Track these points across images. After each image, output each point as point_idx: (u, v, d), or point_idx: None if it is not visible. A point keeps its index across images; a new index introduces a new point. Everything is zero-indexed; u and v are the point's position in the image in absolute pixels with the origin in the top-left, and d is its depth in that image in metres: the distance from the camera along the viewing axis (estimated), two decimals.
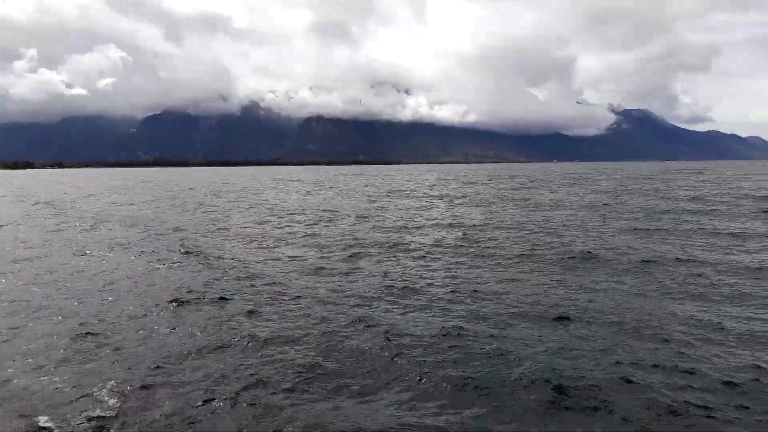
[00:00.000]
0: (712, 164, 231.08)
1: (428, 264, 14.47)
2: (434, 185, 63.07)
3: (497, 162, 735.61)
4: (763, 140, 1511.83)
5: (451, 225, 22.72)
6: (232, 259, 15.36)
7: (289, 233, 21.15)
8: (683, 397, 6.19)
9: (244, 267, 14.05)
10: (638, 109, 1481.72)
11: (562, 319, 9.26)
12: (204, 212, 30.69)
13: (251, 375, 6.98)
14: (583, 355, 7.56)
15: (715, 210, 26.82)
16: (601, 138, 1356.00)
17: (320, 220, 25.53)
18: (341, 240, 18.74)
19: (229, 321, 9.35)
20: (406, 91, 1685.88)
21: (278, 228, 22.86)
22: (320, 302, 10.51)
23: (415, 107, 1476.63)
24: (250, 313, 9.85)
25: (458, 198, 40.15)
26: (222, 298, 10.81)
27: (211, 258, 15.34)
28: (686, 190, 43.94)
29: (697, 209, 27.33)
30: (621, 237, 18.60)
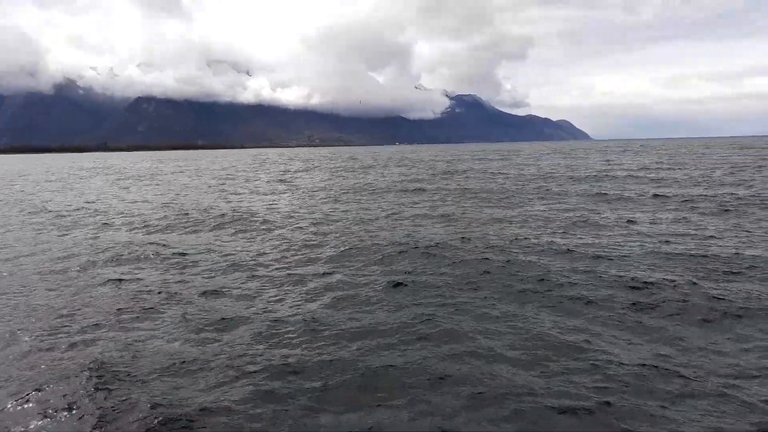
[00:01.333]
0: (529, 145, 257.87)
1: (187, 267, 11.60)
2: (265, 170, 59.45)
3: (342, 145, 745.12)
4: (570, 123, 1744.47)
5: (251, 217, 19.95)
6: None
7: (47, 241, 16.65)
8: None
9: None
10: (469, 95, 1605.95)
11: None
12: None
13: None
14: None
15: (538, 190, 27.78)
16: (438, 121, 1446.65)
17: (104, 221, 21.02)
18: (90, 244, 14.95)
19: None
20: (247, 72, 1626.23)
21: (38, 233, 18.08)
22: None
23: (257, 89, 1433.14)
24: None
25: (286, 186, 37.41)
26: None
27: None
28: (513, 169, 46.42)
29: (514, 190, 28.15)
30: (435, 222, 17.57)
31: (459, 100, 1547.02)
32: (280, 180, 40.75)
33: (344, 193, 28.89)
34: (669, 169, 39.05)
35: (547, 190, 26.71)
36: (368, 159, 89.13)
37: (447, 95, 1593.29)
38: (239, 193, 29.90)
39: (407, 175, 42.88)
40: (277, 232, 16.25)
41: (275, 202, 24.82)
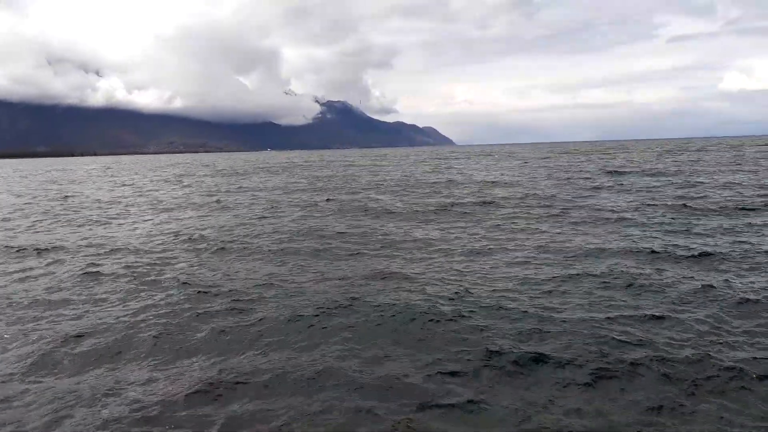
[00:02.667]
0: (403, 150, 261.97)
1: None
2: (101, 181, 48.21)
3: (209, 152, 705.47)
4: (435, 130, 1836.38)
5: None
6: None
7: None
8: None
9: None
10: (339, 101, 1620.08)
11: None
12: None
13: None
14: None
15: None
16: (310, 127, 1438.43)
17: None
18: None
19: None
20: (97, 72, 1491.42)
21: None
22: None
23: (110, 90, 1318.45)
24: None
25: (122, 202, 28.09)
26: None
27: None
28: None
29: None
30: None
31: (330, 106, 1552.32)
32: (122, 186, 31.01)
33: (189, 206, 20.86)
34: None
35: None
36: (224, 166, 79.48)
37: (317, 101, 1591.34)
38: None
39: (267, 185, 35.45)
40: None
41: (102, 223, 16.16)
